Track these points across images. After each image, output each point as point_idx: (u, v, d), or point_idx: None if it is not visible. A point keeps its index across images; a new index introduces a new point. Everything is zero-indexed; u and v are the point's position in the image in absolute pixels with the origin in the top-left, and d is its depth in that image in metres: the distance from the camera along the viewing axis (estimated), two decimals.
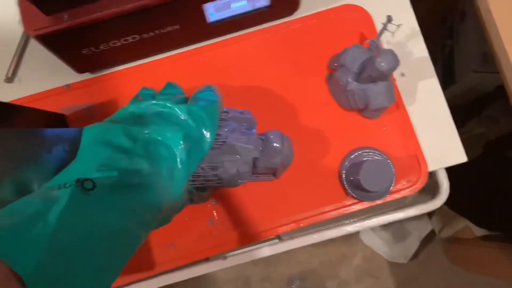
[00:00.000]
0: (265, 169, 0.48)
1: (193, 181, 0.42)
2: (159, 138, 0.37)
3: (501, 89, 0.84)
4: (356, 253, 1.24)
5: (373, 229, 0.52)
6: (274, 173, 0.50)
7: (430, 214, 1.17)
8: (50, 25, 0.42)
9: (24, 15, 0.43)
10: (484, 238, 0.91)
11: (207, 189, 0.47)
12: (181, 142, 0.38)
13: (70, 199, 0.28)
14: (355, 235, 1.24)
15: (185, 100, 0.43)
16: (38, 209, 0.27)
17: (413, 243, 1.17)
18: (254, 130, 0.47)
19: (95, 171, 0.32)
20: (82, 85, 0.55)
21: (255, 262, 0.51)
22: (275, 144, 0.46)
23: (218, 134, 0.42)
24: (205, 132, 0.39)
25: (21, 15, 0.43)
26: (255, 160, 0.46)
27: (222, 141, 0.43)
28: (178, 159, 0.37)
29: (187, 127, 0.39)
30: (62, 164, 0.46)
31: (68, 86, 0.55)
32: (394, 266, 1.22)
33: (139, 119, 0.39)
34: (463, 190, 0.60)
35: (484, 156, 0.83)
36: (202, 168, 0.42)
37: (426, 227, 1.16)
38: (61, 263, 0.25)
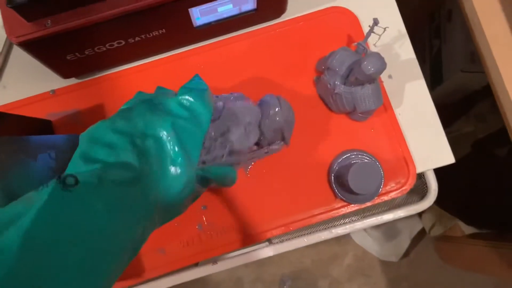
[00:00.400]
0: (272, 134, 0.48)
1: (203, 162, 0.41)
2: (147, 130, 0.37)
3: (488, 88, 0.85)
4: (348, 252, 1.24)
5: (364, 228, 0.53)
6: (283, 138, 0.50)
7: (420, 213, 1.17)
8: (33, 32, 0.42)
9: (6, 21, 0.42)
10: (473, 236, 0.92)
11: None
12: (170, 131, 0.37)
13: (49, 198, 0.27)
14: (346, 235, 1.25)
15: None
16: (15, 213, 0.27)
17: (403, 242, 1.18)
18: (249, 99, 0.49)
19: (77, 166, 0.31)
20: (68, 91, 0.54)
21: (246, 264, 0.51)
22: (270, 100, 0.47)
23: (214, 108, 0.43)
24: (199, 115, 0.39)
25: (3, 22, 0.42)
26: (260, 125, 0.46)
27: (220, 111, 0.44)
28: (170, 149, 0.37)
29: (178, 114, 0.38)
30: (49, 172, 0.46)
31: (53, 92, 0.54)
32: (385, 264, 1.23)
33: (127, 113, 0.38)
34: (452, 189, 0.61)
35: (473, 154, 0.84)
36: (210, 138, 0.42)
37: (416, 226, 1.17)
38: (36, 265, 0.24)
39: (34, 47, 0.44)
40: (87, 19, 0.42)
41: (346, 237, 1.25)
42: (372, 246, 1.22)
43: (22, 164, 0.43)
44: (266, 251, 0.56)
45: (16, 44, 0.43)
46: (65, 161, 0.48)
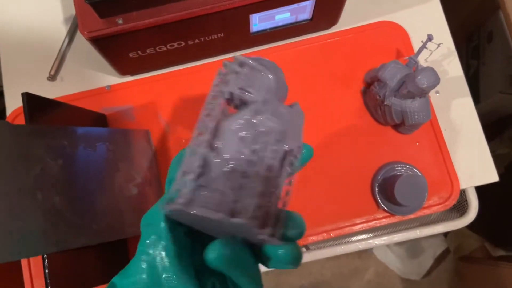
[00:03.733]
0: None
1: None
2: None
3: None
4: (369, 267, 1.24)
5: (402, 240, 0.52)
6: None
7: (446, 232, 1.16)
8: (105, 28, 0.44)
9: (80, 16, 0.44)
10: (501, 258, 0.91)
11: None
12: None
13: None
14: (368, 249, 1.24)
15: None
16: None
17: (427, 260, 1.17)
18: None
19: None
20: (123, 87, 0.56)
21: (266, 272, 0.51)
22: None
23: None
24: None
25: (77, 17, 0.44)
26: None
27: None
28: None
29: None
30: (106, 162, 0.48)
31: (109, 87, 0.56)
32: (406, 282, 1.22)
33: None
34: (484, 209, 0.61)
35: (506, 176, 0.84)
36: None
37: (441, 245, 1.16)
38: None
39: (102, 43, 0.46)
40: (156, 19, 0.44)
41: (368, 251, 1.24)
42: (394, 262, 1.21)
43: (83, 152, 0.44)
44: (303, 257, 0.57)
45: (87, 39, 0.44)
46: (118, 152, 0.50)
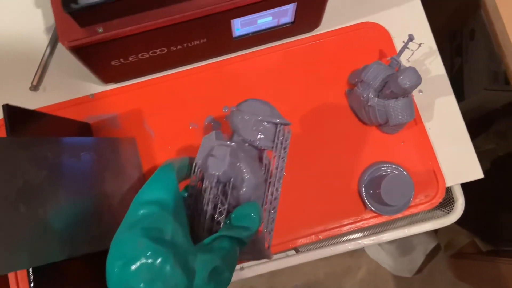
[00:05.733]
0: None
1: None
2: None
3: (508, 106, 0.86)
4: (361, 265, 1.24)
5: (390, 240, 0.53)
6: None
7: (436, 229, 1.17)
8: (85, 37, 0.43)
9: (59, 26, 0.44)
10: (490, 253, 0.92)
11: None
12: None
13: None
14: (360, 248, 1.25)
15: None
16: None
17: (418, 257, 1.18)
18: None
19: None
20: (107, 95, 0.56)
21: (260, 274, 0.52)
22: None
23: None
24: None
25: (57, 26, 0.44)
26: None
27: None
28: None
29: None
30: (91, 172, 0.47)
31: (93, 96, 0.56)
32: (398, 279, 1.23)
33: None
34: (472, 205, 0.61)
35: (493, 171, 0.85)
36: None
37: (431, 241, 1.17)
38: None
39: (83, 52, 0.46)
40: (137, 27, 0.44)
41: (360, 250, 1.25)
42: (386, 260, 1.22)
43: (67, 163, 0.44)
44: (293, 260, 0.57)
45: (67, 48, 0.44)
46: (104, 161, 0.50)
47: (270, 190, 0.42)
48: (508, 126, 0.85)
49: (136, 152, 0.54)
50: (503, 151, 0.86)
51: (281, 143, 0.43)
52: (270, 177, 0.43)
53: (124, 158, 0.52)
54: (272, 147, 0.43)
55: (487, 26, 0.79)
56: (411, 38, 0.51)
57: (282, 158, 0.43)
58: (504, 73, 0.77)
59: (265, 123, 0.42)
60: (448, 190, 0.57)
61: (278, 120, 0.43)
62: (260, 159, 0.44)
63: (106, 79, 0.54)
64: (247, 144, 0.43)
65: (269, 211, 0.43)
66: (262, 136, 0.42)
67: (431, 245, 1.17)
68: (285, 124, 0.43)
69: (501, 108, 0.87)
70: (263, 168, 0.43)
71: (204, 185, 0.38)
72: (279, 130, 0.43)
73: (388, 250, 1.21)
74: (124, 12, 0.43)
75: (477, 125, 0.89)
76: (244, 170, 0.39)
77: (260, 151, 0.44)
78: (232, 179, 0.38)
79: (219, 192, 0.38)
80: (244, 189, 0.39)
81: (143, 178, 0.54)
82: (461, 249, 1.03)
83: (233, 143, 0.39)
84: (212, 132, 0.40)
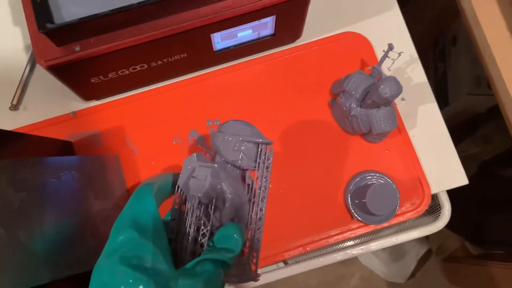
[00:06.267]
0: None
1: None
2: None
3: (492, 110, 0.87)
4: (354, 273, 1.24)
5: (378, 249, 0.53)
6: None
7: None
8: (62, 56, 0.43)
9: (35, 46, 0.43)
10: (482, 256, 0.92)
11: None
12: None
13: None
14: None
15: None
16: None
17: (410, 263, 1.18)
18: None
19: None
20: (88, 112, 0.55)
21: (253, 285, 0.52)
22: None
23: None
24: None
25: (33, 46, 0.43)
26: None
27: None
28: None
29: None
30: (73, 192, 0.46)
31: (74, 114, 0.55)
32: (392, 285, 1.22)
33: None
34: (460, 210, 0.61)
35: (479, 175, 0.85)
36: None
37: (423, 246, 1.17)
38: None
39: (61, 71, 0.45)
40: (114, 44, 0.44)
41: (352, 258, 1.25)
42: (378, 267, 1.22)
43: (47, 184, 0.43)
44: (282, 273, 0.56)
45: (44, 68, 0.44)
46: (86, 180, 0.49)
47: (254, 210, 0.42)
48: (492, 130, 0.86)
49: (119, 170, 0.54)
50: (488, 154, 0.86)
51: (263, 163, 0.43)
52: (254, 197, 0.42)
53: (107, 176, 0.51)
54: (255, 167, 0.43)
55: (468, 32, 0.80)
56: (390, 47, 0.51)
57: (265, 178, 0.43)
58: (487, 78, 0.78)
59: (246, 143, 0.43)
60: (434, 197, 0.57)
61: (259, 140, 0.43)
62: (243, 179, 0.44)
63: (87, 97, 0.54)
64: (229, 165, 0.43)
65: (254, 231, 0.42)
66: (244, 156, 0.42)
67: (423, 249, 1.17)
68: (267, 144, 0.43)
69: (485, 112, 0.88)
70: (246, 188, 0.43)
71: (186, 208, 0.38)
72: (261, 150, 0.43)
73: (380, 257, 1.21)
74: (101, 30, 0.43)
75: (462, 129, 0.89)
76: (227, 190, 0.39)
77: (243, 171, 0.44)
78: (214, 200, 0.38)
79: (201, 214, 0.37)
80: (226, 210, 0.39)
81: (127, 196, 0.53)
82: (453, 253, 1.03)
83: (215, 164, 0.39)
84: (193, 154, 0.39)
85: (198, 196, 0.36)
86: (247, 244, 0.41)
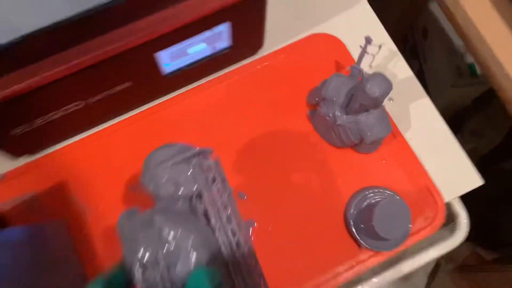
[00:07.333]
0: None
1: None
2: None
3: (478, 101, 0.81)
4: None
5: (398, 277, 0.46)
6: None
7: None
8: None
9: None
10: (496, 261, 0.84)
11: None
12: None
13: None
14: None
15: None
16: None
17: (420, 280, 1.09)
18: None
19: None
20: (20, 172, 0.45)
21: None
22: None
23: None
24: None
25: None
26: None
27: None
28: None
29: None
30: (5, 275, 0.36)
31: (2, 176, 0.45)
32: None
33: None
34: (468, 214, 0.54)
35: (481, 172, 0.78)
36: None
37: (430, 261, 1.09)
38: None
39: None
40: (33, 81, 0.34)
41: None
42: None
43: None
44: None
45: None
46: (25, 258, 0.38)
47: (222, 238, 0.33)
48: (481, 123, 0.80)
49: (67, 238, 0.43)
50: (485, 148, 0.80)
51: (207, 179, 0.35)
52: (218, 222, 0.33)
53: (52, 248, 0.41)
54: (204, 186, 0.34)
55: (441, 21, 0.74)
56: (368, 40, 0.44)
57: (228, 193, 0.34)
58: (469, 66, 0.72)
59: (176, 166, 0.34)
60: (447, 207, 0.49)
61: (188, 154, 0.34)
62: (195, 210, 0.34)
63: (14, 153, 0.44)
64: (176, 202, 0.34)
65: (241, 257, 0.33)
66: (182, 181, 0.34)
67: (431, 264, 1.09)
68: (200, 153, 0.35)
69: (471, 104, 0.82)
70: (203, 218, 0.34)
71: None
72: (194, 164, 0.35)
73: (388, 278, 1.12)
74: (11, 66, 0.34)
75: (450, 125, 0.83)
76: (172, 234, 0.29)
77: (193, 200, 0.34)
78: (161, 260, 0.28)
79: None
80: (182, 260, 0.29)
81: (77, 269, 0.42)
82: (464, 262, 0.95)
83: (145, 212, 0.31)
84: (122, 214, 0.31)
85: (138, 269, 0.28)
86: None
